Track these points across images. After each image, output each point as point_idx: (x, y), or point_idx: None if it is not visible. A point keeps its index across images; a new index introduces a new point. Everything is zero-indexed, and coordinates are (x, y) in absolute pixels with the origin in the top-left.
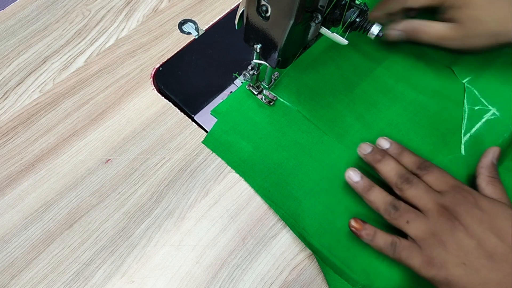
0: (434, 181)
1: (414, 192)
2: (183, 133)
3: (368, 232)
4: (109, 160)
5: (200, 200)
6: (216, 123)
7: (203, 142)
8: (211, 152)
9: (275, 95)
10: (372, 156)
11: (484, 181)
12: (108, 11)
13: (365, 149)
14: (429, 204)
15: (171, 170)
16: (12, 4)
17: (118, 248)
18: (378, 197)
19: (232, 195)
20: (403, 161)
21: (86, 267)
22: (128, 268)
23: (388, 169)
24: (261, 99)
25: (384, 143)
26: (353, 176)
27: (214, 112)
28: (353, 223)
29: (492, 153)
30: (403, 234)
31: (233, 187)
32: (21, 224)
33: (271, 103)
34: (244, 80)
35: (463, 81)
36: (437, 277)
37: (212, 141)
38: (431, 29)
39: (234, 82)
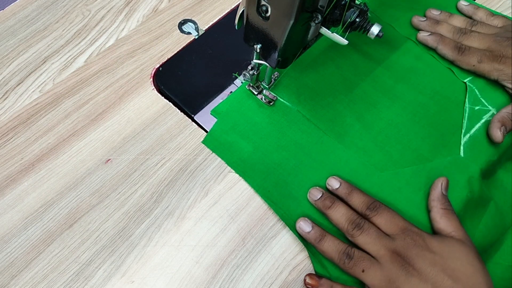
0: (384, 223)
1: (365, 239)
2: (183, 133)
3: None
4: (109, 160)
5: (200, 200)
6: (216, 123)
7: (203, 142)
8: (211, 152)
9: (275, 95)
10: (322, 202)
11: (437, 214)
12: (108, 11)
13: (315, 195)
14: (381, 250)
15: (171, 170)
16: (12, 4)
17: (118, 248)
18: (330, 247)
19: (232, 195)
20: (352, 201)
21: (86, 267)
22: (128, 268)
23: (339, 216)
24: (261, 99)
25: (334, 182)
26: (304, 226)
27: (214, 112)
28: (308, 280)
29: (441, 184)
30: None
31: (233, 187)
32: (21, 224)
33: (271, 103)
34: (244, 80)
35: (465, 80)
36: None
37: (212, 141)
38: None
39: (234, 82)
